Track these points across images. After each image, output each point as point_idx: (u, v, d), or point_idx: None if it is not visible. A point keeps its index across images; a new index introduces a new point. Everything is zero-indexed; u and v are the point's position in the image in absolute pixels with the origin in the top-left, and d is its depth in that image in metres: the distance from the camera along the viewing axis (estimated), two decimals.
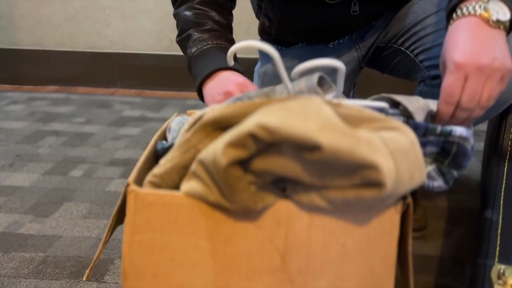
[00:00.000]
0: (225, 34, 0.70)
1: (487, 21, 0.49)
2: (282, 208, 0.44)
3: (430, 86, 0.70)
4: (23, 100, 1.56)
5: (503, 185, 0.54)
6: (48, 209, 0.85)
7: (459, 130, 0.46)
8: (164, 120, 1.38)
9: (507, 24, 0.50)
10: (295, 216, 0.43)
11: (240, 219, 0.44)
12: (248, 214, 0.44)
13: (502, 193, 0.53)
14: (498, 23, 0.50)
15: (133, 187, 0.44)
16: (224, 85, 0.61)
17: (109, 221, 0.50)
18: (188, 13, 0.72)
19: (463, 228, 0.79)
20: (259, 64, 0.89)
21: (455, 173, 0.46)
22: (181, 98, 1.63)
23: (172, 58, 1.69)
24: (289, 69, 0.78)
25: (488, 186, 0.60)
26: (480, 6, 0.50)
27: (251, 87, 0.61)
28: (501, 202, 0.52)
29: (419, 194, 0.81)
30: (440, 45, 0.62)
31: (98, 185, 0.95)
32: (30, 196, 0.90)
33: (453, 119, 0.50)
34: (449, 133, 0.46)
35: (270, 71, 0.83)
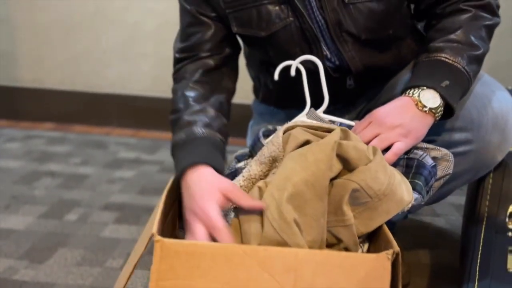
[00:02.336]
0: (216, 120, 0.69)
1: (416, 104, 0.63)
2: (291, 255, 0.49)
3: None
4: (20, 137, 1.58)
5: (479, 253, 0.58)
6: (42, 255, 0.87)
7: (419, 153, 0.63)
8: (158, 163, 1.42)
9: (438, 109, 0.64)
10: (303, 263, 0.49)
11: (255, 265, 0.49)
12: (262, 261, 0.49)
13: (478, 261, 0.57)
14: (428, 110, 0.63)
15: (159, 237, 0.50)
16: (190, 200, 0.58)
17: (130, 270, 0.55)
18: (183, 93, 0.72)
19: (446, 285, 0.82)
20: (252, 121, 0.94)
21: (420, 182, 0.60)
22: None
23: (168, 101, 1.74)
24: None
25: (466, 252, 0.63)
26: (415, 93, 0.64)
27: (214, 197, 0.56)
28: (477, 269, 0.56)
29: (402, 251, 0.84)
30: None
31: (92, 231, 0.97)
32: (25, 240, 0.92)
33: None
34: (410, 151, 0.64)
35: (266, 129, 0.87)
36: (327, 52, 0.74)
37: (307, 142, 0.59)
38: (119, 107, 1.78)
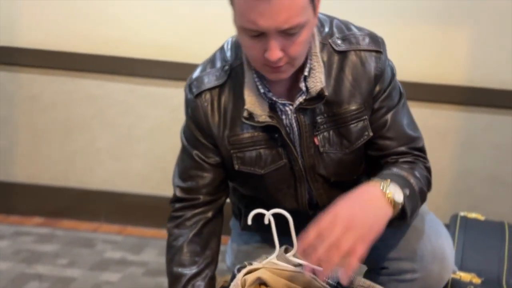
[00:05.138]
0: (210, 283, 0.81)
1: (384, 195, 0.69)
2: None
3: (377, 274, 0.85)
4: (9, 234, 1.62)
5: None
6: None
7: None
8: (143, 264, 1.46)
9: (399, 206, 0.70)
10: None
11: None
12: None
13: None
14: (393, 203, 0.69)
15: None
16: None
17: None
18: (183, 246, 0.82)
19: None
20: (231, 239, 1.02)
21: None
22: (161, 238, 1.72)
23: (156, 199, 1.82)
24: (259, 248, 0.93)
25: None
26: (383, 182, 0.70)
27: None
28: None
29: None
30: (386, 243, 0.80)
31: None
32: None
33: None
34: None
35: (243, 249, 0.96)
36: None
37: (261, 282, 0.69)
38: (108, 203, 1.85)
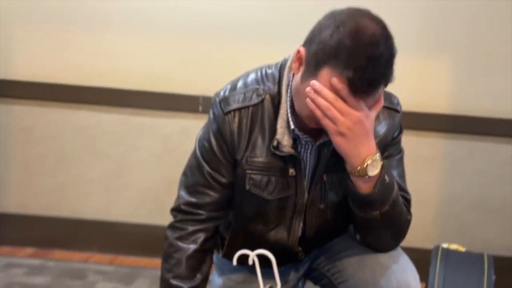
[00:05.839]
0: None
1: (370, 156, 0.75)
2: None
3: None
4: (0, 266, 1.63)
5: None
6: None
7: None
8: None
9: (364, 172, 0.76)
10: None
11: None
12: None
13: None
14: (364, 170, 0.75)
15: None
16: None
17: None
18: (182, 259, 0.85)
19: None
20: (215, 273, 1.03)
21: None
22: (153, 267, 1.73)
23: (148, 228, 1.83)
24: (241, 283, 0.95)
25: None
26: (376, 159, 0.77)
27: None
28: None
29: None
30: (355, 278, 0.84)
31: None
32: None
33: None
34: None
35: (227, 285, 0.98)
36: None
37: None
38: (100, 232, 1.85)
